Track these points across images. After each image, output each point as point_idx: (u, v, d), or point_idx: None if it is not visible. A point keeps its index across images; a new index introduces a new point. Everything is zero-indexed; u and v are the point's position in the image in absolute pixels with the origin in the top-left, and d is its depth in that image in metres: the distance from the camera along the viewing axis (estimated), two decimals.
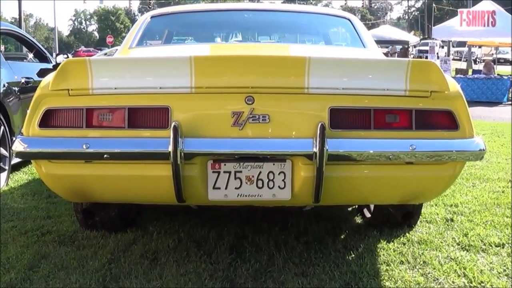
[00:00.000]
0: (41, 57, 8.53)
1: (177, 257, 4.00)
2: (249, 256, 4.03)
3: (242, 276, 3.72)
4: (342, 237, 4.50)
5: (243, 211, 4.80)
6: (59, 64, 3.94)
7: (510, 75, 23.11)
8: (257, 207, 4.01)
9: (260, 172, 3.40)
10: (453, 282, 3.69)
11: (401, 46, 35.25)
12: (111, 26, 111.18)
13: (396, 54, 29.09)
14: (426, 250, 4.20)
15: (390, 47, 32.51)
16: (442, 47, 40.41)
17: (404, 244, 4.31)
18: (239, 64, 3.43)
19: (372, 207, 4.72)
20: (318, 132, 3.24)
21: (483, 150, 3.49)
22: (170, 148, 3.21)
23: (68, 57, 8.33)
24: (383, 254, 4.11)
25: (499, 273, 3.84)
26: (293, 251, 4.12)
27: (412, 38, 39.93)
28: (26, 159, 3.98)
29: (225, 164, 3.39)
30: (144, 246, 4.20)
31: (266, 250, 4.14)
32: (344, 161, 3.36)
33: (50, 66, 7.90)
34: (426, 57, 28.69)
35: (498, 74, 23.01)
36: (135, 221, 4.71)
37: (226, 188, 3.41)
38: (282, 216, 4.79)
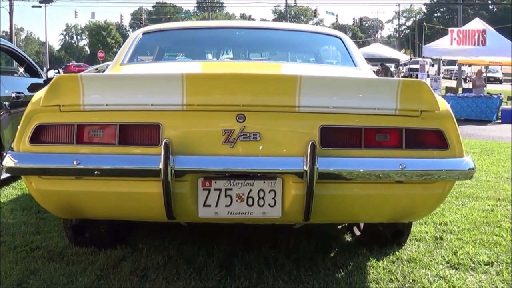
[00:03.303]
0: (32, 71, 8.52)
1: (166, 274, 3.99)
2: (239, 273, 4.03)
3: None
4: (332, 255, 4.51)
5: (233, 228, 4.80)
6: (50, 79, 3.94)
7: (500, 93, 23.23)
8: (248, 224, 4.01)
9: (250, 190, 3.40)
10: None
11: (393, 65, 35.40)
12: (102, 41, 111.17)
13: (379, 72, 29.14)
14: (416, 268, 4.21)
15: (379, 65, 32.63)
16: (433, 65, 40.53)
17: (393, 262, 4.32)
18: (231, 83, 3.44)
19: (362, 225, 4.73)
20: (309, 150, 3.25)
21: (473, 169, 3.52)
22: (161, 165, 3.22)
23: (59, 72, 8.33)
24: (373, 272, 4.11)
25: None
26: (283, 269, 4.12)
27: (402, 56, 40.11)
28: (17, 174, 3.99)
29: (215, 182, 3.39)
30: (133, 263, 4.19)
31: (256, 267, 4.14)
32: (334, 179, 3.37)
33: (41, 81, 7.91)
34: (417, 76, 28.80)
35: (488, 93, 23.12)
36: (125, 238, 4.70)
37: (216, 206, 3.42)
38: (272, 233, 4.79)
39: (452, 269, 4.24)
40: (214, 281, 3.90)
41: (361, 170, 3.36)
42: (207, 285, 3.83)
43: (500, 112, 21.10)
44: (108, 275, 3.99)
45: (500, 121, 20.55)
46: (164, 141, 3.26)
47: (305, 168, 3.26)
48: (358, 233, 4.85)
